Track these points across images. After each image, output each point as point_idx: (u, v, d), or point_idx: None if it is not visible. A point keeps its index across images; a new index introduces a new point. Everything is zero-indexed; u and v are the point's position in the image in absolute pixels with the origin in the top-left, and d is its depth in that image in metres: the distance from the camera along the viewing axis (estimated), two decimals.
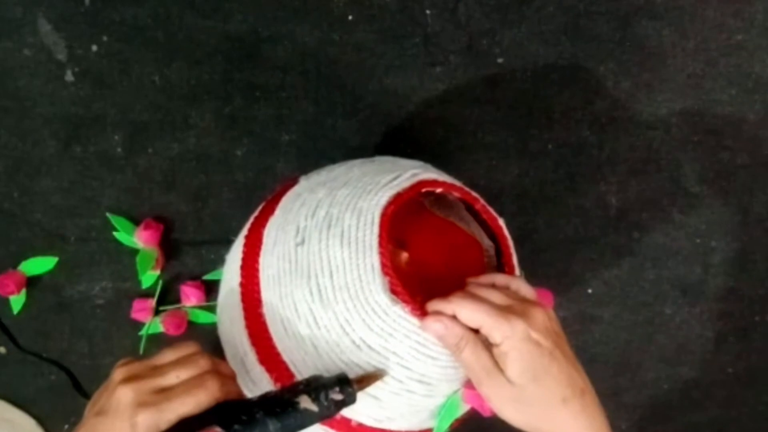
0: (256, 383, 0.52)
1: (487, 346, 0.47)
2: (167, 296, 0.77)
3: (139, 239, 0.73)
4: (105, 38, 0.69)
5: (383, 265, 0.48)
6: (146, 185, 0.74)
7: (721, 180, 0.75)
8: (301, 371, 0.50)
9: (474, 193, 0.55)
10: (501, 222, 0.56)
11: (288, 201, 0.54)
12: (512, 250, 0.56)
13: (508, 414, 0.46)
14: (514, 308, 0.47)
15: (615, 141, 0.73)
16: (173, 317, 0.76)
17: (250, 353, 0.52)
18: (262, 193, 0.74)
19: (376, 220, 0.49)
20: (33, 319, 0.77)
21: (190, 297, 0.76)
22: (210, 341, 0.80)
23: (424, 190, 0.51)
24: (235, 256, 0.56)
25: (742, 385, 0.84)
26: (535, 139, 0.73)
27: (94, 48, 0.69)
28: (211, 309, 0.78)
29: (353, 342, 0.48)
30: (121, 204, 0.74)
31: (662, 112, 0.72)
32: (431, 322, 0.47)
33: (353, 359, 0.48)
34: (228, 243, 0.76)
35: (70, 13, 0.68)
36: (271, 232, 0.53)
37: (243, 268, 0.54)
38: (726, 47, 0.70)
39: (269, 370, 0.51)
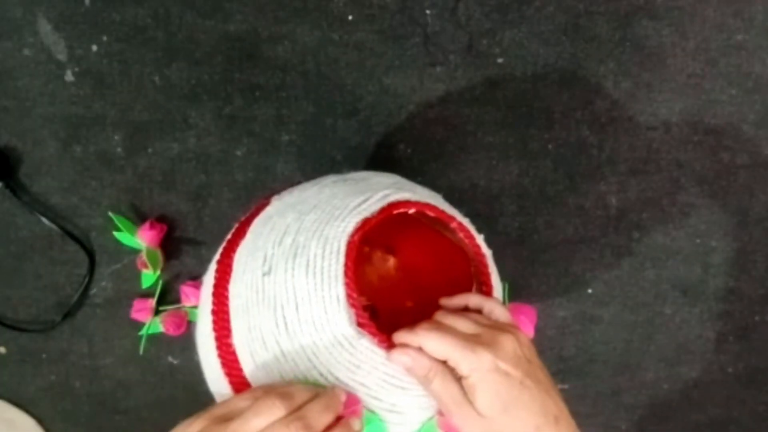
0: None
1: (457, 376, 0.46)
2: (167, 296, 0.77)
3: (143, 239, 0.73)
4: (105, 38, 0.69)
5: (349, 297, 0.47)
6: (146, 185, 0.74)
7: (721, 180, 0.75)
8: None
9: (449, 212, 0.54)
10: (478, 238, 0.55)
11: (259, 224, 0.53)
12: (490, 268, 0.55)
13: None
14: (482, 338, 0.46)
15: (615, 141, 0.73)
16: (173, 317, 0.76)
17: (223, 381, 0.51)
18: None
19: (342, 249, 0.48)
20: (34, 319, 0.77)
21: (190, 297, 0.76)
22: None
23: (395, 212, 0.50)
24: (208, 280, 0.55)
25: (742, 385, 0.84)
26: (535, 139, 0.73)
27: (94, 48, 0.69)
28: None
29: (321, 374, 0.47)
30: (121, 204, 0.74)
31: (662, 112, 0.72)
32: (398, 355, 0.46)
33: None
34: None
35: (70, 13, 0.68)
36: (241, 258, 0.52)
37: (215, 295, 0.52)
38: (726, 47, 0.70)
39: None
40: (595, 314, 0.80)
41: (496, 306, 0.51)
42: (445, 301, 0.53)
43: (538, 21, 0.69)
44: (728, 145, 0.74)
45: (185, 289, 0.76)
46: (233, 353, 0.50)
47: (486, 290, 0.54)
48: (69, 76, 0.70)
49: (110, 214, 0.73)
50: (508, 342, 0.47)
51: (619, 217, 0.76)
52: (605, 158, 0.74)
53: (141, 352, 0.78)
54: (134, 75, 0.70)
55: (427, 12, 0.68)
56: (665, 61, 0.70)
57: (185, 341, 0.78)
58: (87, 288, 0.76)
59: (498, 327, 0.48)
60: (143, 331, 0.77)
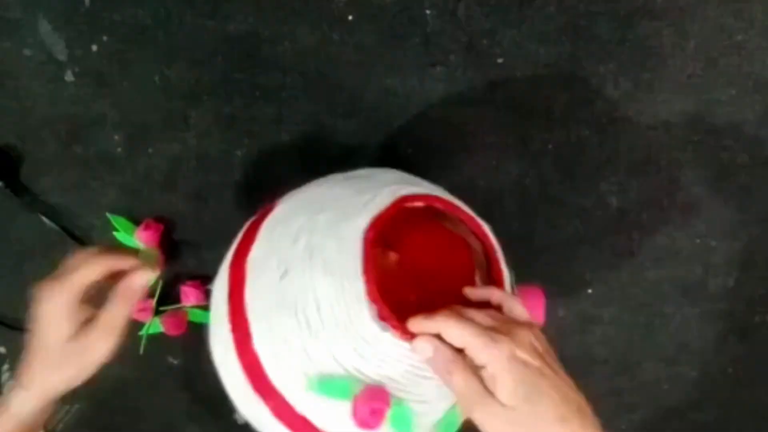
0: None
1: (475, 370, 0.46)
2: (167, 296, 0.77)
3: (140, 239, 0.73)
4: (105, 38, 0.69)
5: (369, 293, 0.47)
6: (146, 185, 0.74)
7: (721, 180, 0.75)
8: (298, 401, 0.50)
9: (456, 202, 0.54)
10: (486, 228, 0.55)
11: (268, 228, 0.53)
12: (499, 256, 0.55)
13: None
14: (498, 329, 0.46)
15: (615, 141, 0.73)
16: (173, 317, 0.76)
17: (246, 387, 0.51)
18: (262, 193, 0.74)
19: (359, 247, 0.48)
20: None
21: (190, 297, 0.76)
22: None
23: (406, 206, 0.51)
24: (220, 287, 0.54)
25: (742, 385, 0.84)
26: (535, 139, 0.73)
27: (94, 48, 0.69)
28: None
29: (347, 371, 0.47)
30: (121, 204, 0.74)
31: (662, 112, 0.72)
32: (420, 343, 0.46)
33: None
34: (228, 243, 0.76)
35: (70, 13, 0.68)
36: (254, 262, 0.52)
37: (231, 301, 0.52)
38: (726, 47, 0.70)
39: (266, 400, 0.51)
40: (595, 314, 0.80)
41: (516, 305, 0.50)
42: (469, 290, 0.53)
43: (538, 21, 0.68)
44: (728, 145, 0.74)
45: (185, 289, 0.76)
46: (256, 358, 0.50)
47: (496, 278, 0.53)
48: (69, 76, 0.70)
49: (108, 215, 0.73)
50: (524, 333, 0.46)
51: (619, 217, 0.76)
52: (605, 158, 0.74)
53: (141, 352, 0.78)
54: (134, 75, 0.70)
55: (427, 12, 0.68)
56: (665, 61, 0.70)
57: (185, 341, 0.78)
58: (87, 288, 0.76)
59: (514, 321, 0.48)
60: (143, 331, 0.77)
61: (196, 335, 0.79)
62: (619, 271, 0.78)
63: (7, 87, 0.70)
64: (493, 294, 0.52)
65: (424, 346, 0.46)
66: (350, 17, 0.68)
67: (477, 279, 0.57)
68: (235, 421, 0.82)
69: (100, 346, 0.57)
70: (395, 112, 0.72)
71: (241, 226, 0.74)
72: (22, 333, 0.77)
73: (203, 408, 0.83)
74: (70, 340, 0.56)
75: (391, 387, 0.48)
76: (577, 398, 0.46)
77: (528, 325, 0.48)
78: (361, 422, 0.48)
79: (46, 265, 0.76)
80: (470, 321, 0.46)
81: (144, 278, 0.58)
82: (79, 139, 0.72)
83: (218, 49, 0.69)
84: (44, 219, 0.73)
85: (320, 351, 0.48)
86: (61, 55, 0.69)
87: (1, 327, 0.77)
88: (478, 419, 0.45)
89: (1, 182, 0.71)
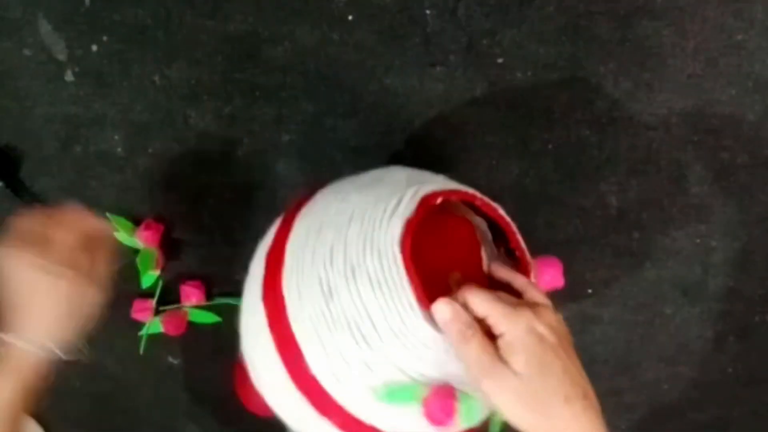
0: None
1: (490, 340, 0.47)
2: (167, 296, 0.77)
3: (140, 239, 0.73)
4: (105, 38, 0.69)
5: (419, 299, 0.47)
6: (146, 185, 0.74)
7: (721, 180, 0.75)
8: (365, 414, 0.51)
9: (470, 191, 0.54)
10: (501, 211, 0.55)
11: (296, 249, 0.52)
12: (518, 236, 0.55)
13: (510, 408, 0.46)
14: (522, 303, 0.48)
15: (615, 141, 0.73)
16: (173, 317, 0.76)
17: (306, 407, 0.51)
18: (263, 193, 0.74)
19: (398, 257, 0.48)
20: None
21: (190, 297, 0.76)
22: (210, 341, 0.80)
23: (432, 203, 0.51)
24: (256, 318, 0.54)
25: (742, 385, 0.84)
26: (535, 139, 0.73)
27: (94, 48, 0.69)
28: (211, 309, 0.78)
29: (410, 377, 0.48)
30: (121, 204, 0.74)
31: (662, 112, 0.72)
32: (440, 305, 0.47)
33: None
34: (228, 243, 0.76)
35: (70, 13, 0.68)
36: (290, 288, 0.51)
37: (274, 330, 0.52)
38: (726, 47, 0.70)
39: (332, 418, 0.51)
40: (595, 314, 0.80)
41: (538, 293, 0.51)
42: (495, 267, 0.54)
43: (538, 21, 0.68)
44: (728, 145, 0.74)
45: (185, 289, 0.76)
46: (313, 380, 0.50)
47: (522, 263, 0.54)
48: (69, 76, 0.70)
49: (108, 215, 0.73)
50: (546, 311, 0.48)
51: (619, 217, 0.76)
52: (605, 158, 0.74)
53: (141, 352, 0.78)
54: (134, 75, 0.70)
55: (427, 12, 0.68)
56: (665, 61, 0.70)
57: (185, 341, 0.78)
58: None
59: (536, 302, 0.49)
60: (143, 331, 0.77)
61: (196, 335, 0.79)
62: (619, 271, 0.78)
63: (7, 87, 0.70)
64: (516, 279, 0.53)
65: (444, 309, 0.47)
66: (350, 17, 0.68)
67: (483, 254, 0.58)
68: (235, 421, 0.83)
69: (88, 292, 0.58)
70: (395, 112, 0.72)
71: (241, 226, 0.75)
72: None
73: (203, 408, 0.83)
74: (53, 287, 0.57)
75: (455, 383, 0.49)
76: (584, 384, 0.47)
77: (550, 307, 0.49)
78: (436, 421, 0.48)
79: None
80: (494, 293, 0.48)
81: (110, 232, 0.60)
82: (79, 138, 0.72)
83: (218, 49, 0.69)
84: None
85: (381, 362, 0.48)
86: (61, 55, 0.69)
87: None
88: (487, 387, 0.46)
89: (1, 182, 0.71)
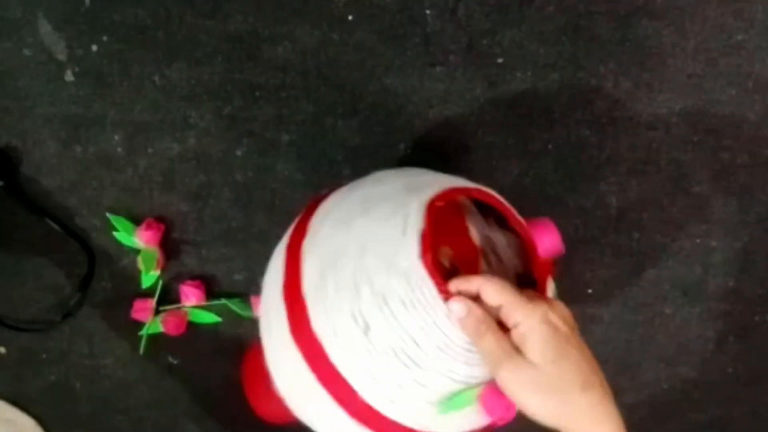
0: None
1: (504, 332, 0.47)
2: (167, 296, 0.77)
3: (140, 239, 0.73)
4: (105, 38, 0.69)
5: (457, 312, 0.48)
6: (146, 185, 0.74)
7: (721, 180, 0.75)
8: (425, 426, 0.51)
9: (467, 185, 0.54)
10: (498, 197, 0.55)
11: (315, 289, 0.51)
12: (517, 215, 0.55)
13: (527, 398, 0.46)
14: (535, 295, 0.49)
15: (615, 141, 0.73)
16: (173, 317, 0.76)
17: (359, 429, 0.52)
18: (263, 193, 0.74)
19: (425, 276, 0.48)
20: (34, 319, 0.77)
21: (190, 297, 0.76)
22: (210, 341, 0.80)
23: (438, 205, 0.51)
24: (291, 359, 0.53)
25: (742, 385, 0.84)
26: (535, 139, 0.73)
27: (94, 48, 0.69)
28: (211, 309, 0.78)
29: (464, 383, 0.49)
30: (121, 204, 0.74)
31: (662, 112, 0.72)
32: (455, 303, 0.47)
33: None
34: (228, 243, 0.76)
35: (70, 13, 0.68)
36: (323, 328, 0.50)
37: (316, 369, 0.51)
38: (726, 47, 0.70)
39: None
40: (595, 314, 0.80)
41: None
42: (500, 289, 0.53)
43: (538, 21, 0.68)
44: (728, 145, 0.74)
45: (185, 289, 0.76)
46: (368, 408, 0.51)
47: (540, 269, 0.54)
48: (69, 76, 0.70)
49: (108, 215, 0.73)
50: (558, 304, 0.49)
51: (619, 217, 0.76)
52: (605, 158, 0.74)
53: (141, 352, 0.78)
54: (134, 75, 0.70)
55: (427, 12, 0.68)
56: (665, 61, 0.70)
57: (185, 341, 0.78)
58: (87, 288, 0.76)
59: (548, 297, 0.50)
60: (143, 331, 0.77)
61: (196, 335, 0.79)
62: (619, 271, 0.78)
63: (7, 87, 0.70)
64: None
65: (458, 306, 0.47)
66: (350, 17, 0.68)
67: (469, 224, 0.57)
68: (235, 422, 0.83)
69: None
70: (395, 112, 0.72)
71: (241, 226, 0.75)
72: (22, 333, 0.77)
73: (203, 408, 0.83)
74: None
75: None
76: (599, 374, 0.48)
77: (560, 301, 0.50)
78: (498, 417, 0.49)
79: (46, 265, 0.76)
80: (507, 282, 0.48)
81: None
82: (79, 139, 0.72)
83: (218, 49, 0.69)
84: (44, 219, 0.73)
85: (434, 378, 0.49)
86: (61, 55, 0.69)
87: (1, 327, 0.77)
88: (504, 378, 0.46)
89: (1, 182, 0.71)
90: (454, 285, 0.48)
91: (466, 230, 0.58)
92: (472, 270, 0.57)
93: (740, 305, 0.81)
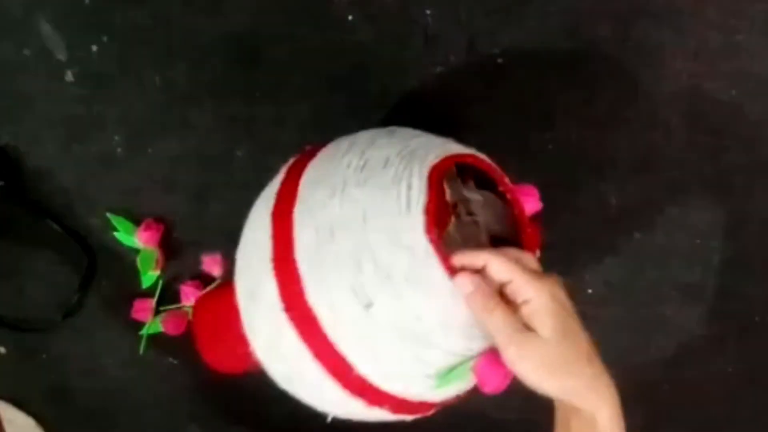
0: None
1: (513, 306, 0.47)
2: (167, 296, 0.77)
3: (140, 239, 0.73)
4: (105, 38, 0.69)
5: (464, 286, 0.48)
6: (146, 185, 0.74)
7: (721, 180, 0.75)
8: (420, 397, 0.52)
9: (465, 151, 0.54)
10: (489, 161, 0.55)
11: (310, 258, 0.49)
12: (506, 179, 0.55)
13: (535, 373, 0.47)
14: (539, 272, 0.49)
15: (615, 141, 0.73)
16: (173, 317, 0.76)
17: (354, 402, 0.52)
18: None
19: (431, 251, 0.47)
20: (34, 319, 0.77)
21: (190, 297, 0.76)
22: None
23: (437, 176, 0.50)
24: (281, 330, 0.51)
25: (742, 385, 0.84)
26: (535, 139, 0.73)
27: (94, 48, 0.69)
28: None
29: (460, 356, 0.50)
30: (121, 204, 0.74)
31: (662, 112, 0.72)
32: (462, 279, 0.47)
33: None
34: (228, 243, 0.76)
35: (70, 13, 0.68)
36: (319, 302, 0.49)
37: (307, 337, 0.50)
38: (726, 47, 0.70)
39: (382, 406, 0.52)
40: (595, 314, 0.80)
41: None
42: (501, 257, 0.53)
43: (538, 21, 0.68)
44: (728, 145, 0.74)
45: (185, 289, 0.76)
46: (363, 380, 0.50)
47: (526, 234, 0.53)
48: (69, 76, 0.70)
49: (108, 215, 0.73)
50: (559, 279, 0.49)
51: (619, 217, 0.76)
52: (605, 158, 0.74)
53: (141, 352, 0.77)
54: (134, 75, 0.70)
55: (427, 12, 0.68)
56: (665, 61, 0.70)
57: (185, 341, 0.78)
58: (87, 288, 0.76)
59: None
60: (143, 331, 0.77)
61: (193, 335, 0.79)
62: (619, 271, 0.78)
63: (7, 87, 0.70)
64: (523, 257, 0.52)
65: (465, 282, 0.47)
66: (350, 17, 0.68)
67: (446, 191, 0.56)
68: (235, 422, 0.83)
69: None
70: (395, 112, 0.72)
71: (241, 226, 0.75)
72: (22, 333, 0.77)
73: (203, 408, 0.83)
74: None
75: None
76: (594, 345, 0.50)
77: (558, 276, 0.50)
78: (493, 387, 0.50)
79: (47, 265, 0.76)
80: (514, 258, 0.48)
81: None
82: (79, 139, 0.72)
83: (218, 49, 0.69)
84: (45, 219, 0.73)
85: (434, 354, 0.49)
86: (61, 55, 0.69)
87: (1, 327, 0.77)
88: (514, 355, 0.46)
89: (1, 182, 0.71)
90: (458, 260, 0.48)
91: (443, 191, 0.56)
92: (439, 221, 0.55)
93: (740, 305, 0.81)
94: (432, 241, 0.47)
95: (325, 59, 0.69)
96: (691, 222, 0.77)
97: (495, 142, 0.73)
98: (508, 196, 0.54)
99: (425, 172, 0.49)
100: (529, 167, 0.74)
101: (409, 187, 0.48)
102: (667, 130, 0.73)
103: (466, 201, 0.57)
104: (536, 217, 0.59)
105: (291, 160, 0.59)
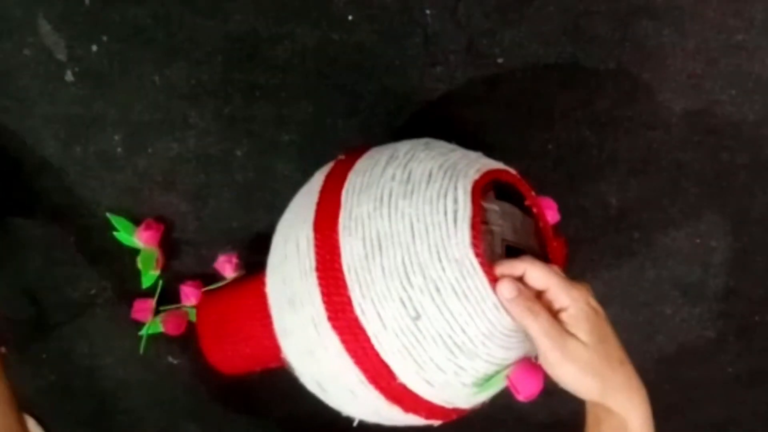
0: None
1: (552, 312, 0.49)
2: (167, 296, 0.77)
3: (140, 239, 0.73)
4: (105, 38, 0.69)
5: (505, 300, 0.49)
6: (146, 185, 0.74)
7: (721, 180, 0.75)
8: (456, 403, 0.54)
9: (504, 169, 0.56)
10: (518, 175, 0.58)
11: (357, 271, 0.51)
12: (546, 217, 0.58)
13: (574, 376, 0.49)
14: (570, 280, 0.51)
15: (615, 141, 0.73)
16: (173, 317, 0.76)
17: (391, 409, 0.53)
18: (263, 193, 0.74)
19: (476, 263, 0.49)
20: (34, 319, 0.77)
21: (190, 297, 0.76)
22: None
23: (480, 189, 0.52)
24: (318, 331, 0.52)
25: (742, 385, 0.84)
26: (535, 139, 0.73)
27: (94, 48, 0.69)
28: None
29: (498, 365, 0.51)
30: (121, 204, 0.74)
31: (662, 112, 0.72)
32: (506, 284, 0.49)
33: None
34: (228, 243, 0.76)
35: (70, 13, 0.68)
36: (366, 311, 0.51)
37: (351, 346, 0.51)
38: (726, 47, 0.70)
39: (419, 413, 0.54)
40: None
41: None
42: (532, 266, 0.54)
43: (538, 21, 0.69)
44: (728, 145, 0.74)
45: (185, 289, 0.76)
46: (403, 387, 0.52)
47: (549, 246, 0.56)
48: (69, 76, 0.70)
49: (108, 215, 0.73)
50: (590, 288, 0.52)
51: (619, 217, 0.76)
52: (605, 158, 0.74)
53: (141, 352, 0.78)
54: (134, 75, 0.70)
55: (427, 12, 0.68)
56: (665, 61, 0.70)
57: (185, 341, 0.78)
58: (87, 288, 0.76)
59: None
60: (143, 331, 0.77)
61: (196, 335, 0.79)
62: (619, 271, 0.78)
63: (7, 87, 0.70)
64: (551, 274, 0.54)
65: (509, 287, 0.49)
66: (350, 17, 0.68)
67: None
68: (235, 421, 0.83)
69: None
70: (395, 112, 0.72)
71: (241, 226, 0.75)
72: (22, 333, 0.77)
73: (203, 408, 0.83)
74: None
75: (531, 355, 0.52)
76: (624, 347, 0.52)
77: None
78: (527, 395, 0.51)
79: (47, 265, 0.76)
80: (549, 266, 0.51)
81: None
82: (79, 138, 0.72)
83: (218, 49, 0.69)
84: (44, 219, 0.73)
85: (476, 363, 0.50)
86: (61, 55, 0.69)
87: (2, 326, 0.77)
88: (555, 358, 0.48)
89: (2, 182, 0.71)
90: (499, 270, 0.50)
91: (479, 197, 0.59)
92: None
93: (740, 305, 0.81)
94: (478, 255, 0.49)
95: (325, 59, 0.70)
96: (691, 222, 0.77)
97: (495, 142, 0.73)
98: (535, 210, 0.56)
99: (469, 187, 0.51)
100: (529, 167, 0.74)
101: (455, 201, 0.50)
102: (667, 130, 0.73)
103: (483, 210, 0.58)
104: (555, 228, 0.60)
105: (326, 170, 0.60)
